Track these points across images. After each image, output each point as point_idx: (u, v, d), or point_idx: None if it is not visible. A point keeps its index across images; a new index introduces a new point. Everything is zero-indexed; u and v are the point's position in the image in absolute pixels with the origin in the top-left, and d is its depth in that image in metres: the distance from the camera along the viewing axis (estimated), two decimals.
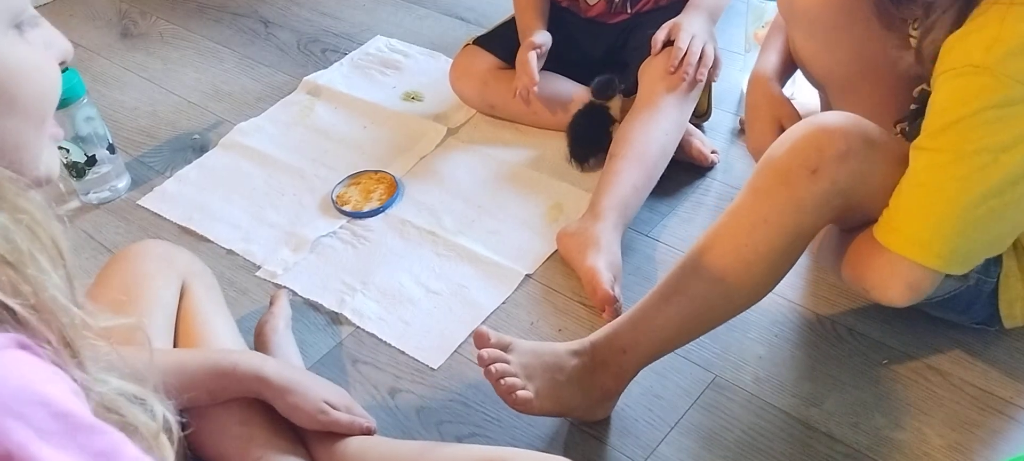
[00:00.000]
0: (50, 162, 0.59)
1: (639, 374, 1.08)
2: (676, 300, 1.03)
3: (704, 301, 1.02)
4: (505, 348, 1.04)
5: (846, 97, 1.17)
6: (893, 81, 1.10)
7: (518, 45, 1.58)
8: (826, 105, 1.33)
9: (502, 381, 1.01)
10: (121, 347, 0.61)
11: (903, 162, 0.99)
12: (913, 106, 1.09)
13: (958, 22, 0.91)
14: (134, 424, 0.56)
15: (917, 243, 0.94)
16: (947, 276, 0.98)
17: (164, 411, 0.59)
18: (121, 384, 0.57)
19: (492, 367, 1.01)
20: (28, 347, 0.50)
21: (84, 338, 0.55)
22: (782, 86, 1.24)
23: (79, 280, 0.58)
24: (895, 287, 0.97)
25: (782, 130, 1.21)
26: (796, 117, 1.21)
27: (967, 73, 0.89)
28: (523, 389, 1.01)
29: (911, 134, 1.08)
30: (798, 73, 1.29)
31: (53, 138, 0.60)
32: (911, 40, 1.02)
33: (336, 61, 1.85)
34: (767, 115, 1.21)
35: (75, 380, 0.53)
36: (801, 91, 1.54)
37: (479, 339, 1.04)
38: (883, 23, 1.03)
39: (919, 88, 1.07)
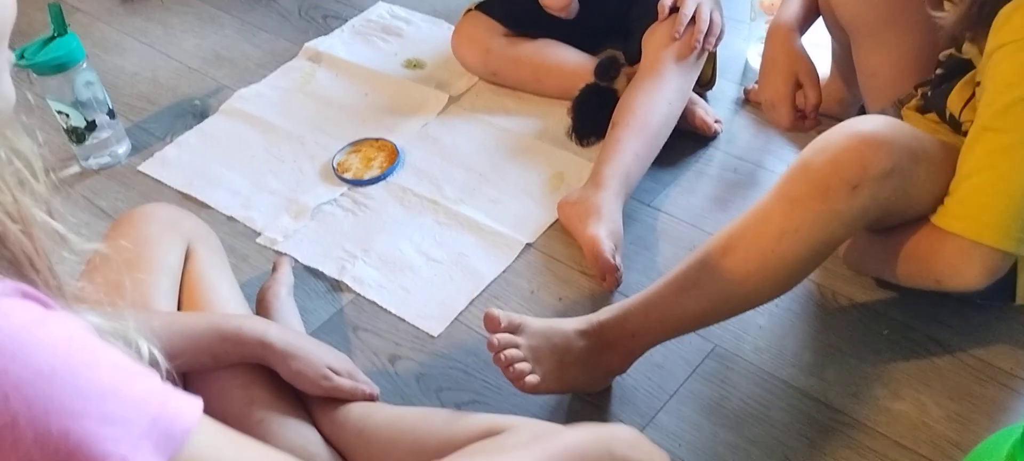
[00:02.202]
0: (6, 90, 0.58)
1: None
2: (693, 294, 1.02)
3: (722, 299, 1.01)
4: (515, 329, 1.03)
5: (873, 44, 1.15)
6: (921, 35, 1.08)
7: (522, 11, 1.57)
8: (839, 58, 1.31)
9: (512, 368, 1.01)
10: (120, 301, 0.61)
11: (940, 164, 0.97)
12: (939, 70, 1.07)
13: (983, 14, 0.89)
14: None
15: (991, 227, 0.93)
16: None
17: (148, 346, 0.59)
18: (100, 319, 0.56)
19: (502, 354, 1.01)
20: (29, 295, 0.50)
21: (63, 261, 0.54)
22: (801, 37, 1.23)
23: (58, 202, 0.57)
24: (970, 273, 0.95)
25: (798, 85, 1.20)
26: (813, 73, 1.19)
27: None
28: (532, 374, 1.01)
29: (932, 100, 1.07)
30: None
31: (9, 63, 0.59)
32: (947, 2, 1.00)
33: (337, 27, 1.84)
34: (785, 68, 1.20)
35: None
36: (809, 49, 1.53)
37: (490, 323, 1.03)
38: None
39: (947, 53, 1.06)
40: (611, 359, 1.06)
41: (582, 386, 1.08)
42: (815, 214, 0.95)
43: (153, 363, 0.58)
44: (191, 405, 0.53)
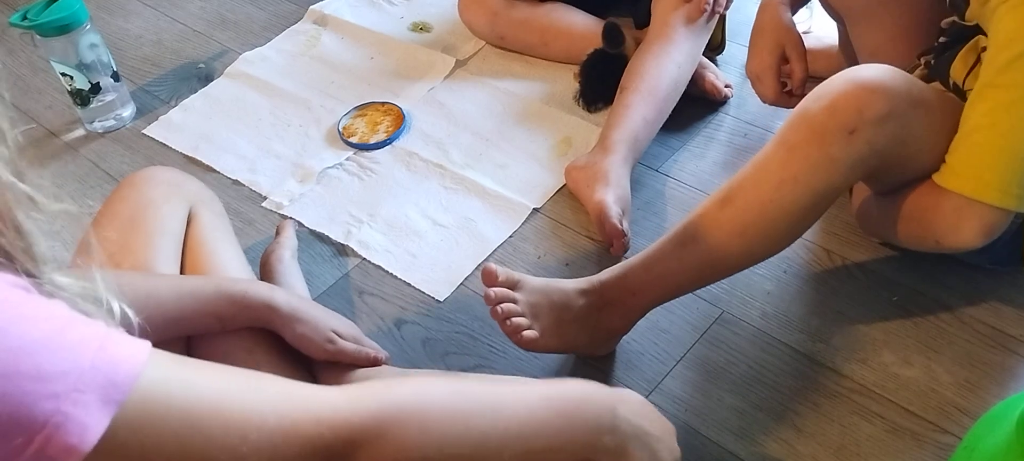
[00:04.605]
0: None
1: None
2: (693, 248, 1.01)
3: (722, 252, 1.00)
4: (513, 286, 1.03)
5: (868, 25, 1.14)
6: (918, 10, 1.07)
7: None
8: (845, 36, 1.30)
9: (508, 321, 1.00)
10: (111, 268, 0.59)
11: (941, 116, 0.96)
12: (942, 39, 1.05)
13: None
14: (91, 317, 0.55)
15: (991, 185, 0.92)
16: None
17: (119, 304, 0.57)
18: (69, 279, 0.55)
19: (499, 307, 1.01)
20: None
21: (32, 220, 0.52)
22: (794, 13, 1.21)
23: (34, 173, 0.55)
24: (969, 231, 0.94)
25: (784, 59, 1.19)
26: (800, 47, 1.18)
27: None
28: (529, 328, 1.01)
29: (937, 68, 1.05)
30: (814, 3, 1.25)
31: None
32: None
33: None
34: (772, 40, 1.18)
35: (21, 273, 0.51)
36: (818, 26, 1.51)
37: (487, 277, 1.02)
38: None
39: (949, 20, 1.04)
40: (612, 318, 1.05)
41: (584, 346, 1.07)
42: (813, 161, 0.94)
43: (125, 323, 0.56)
44: (136, 346, 0.50)
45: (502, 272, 1.03)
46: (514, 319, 1.00)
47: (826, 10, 1.25)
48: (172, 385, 0.52)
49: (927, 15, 1.06)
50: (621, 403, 0.72)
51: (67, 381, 0.46)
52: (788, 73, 1.20)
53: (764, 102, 1.22)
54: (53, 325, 0.48)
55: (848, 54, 1.31)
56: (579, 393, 0.72)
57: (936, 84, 1.05)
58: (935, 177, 0.97)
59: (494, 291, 1.01)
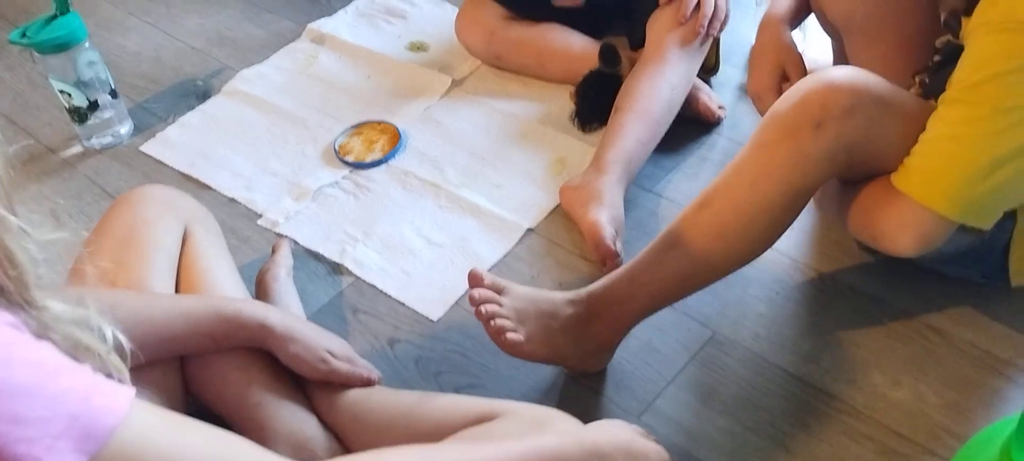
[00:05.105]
0: None
1: (637, 328, 1.08)
2: (674, 254, 1.03)
3: (703, 256, 1.02)
4: (499, 291, 1.04)
5: (865, 42, 1.15)
6: (913, 29, 1.08)
7: None
8: (839, 56, 1.31)
9: (492, 322, 1.01)
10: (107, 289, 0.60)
11: (912, 119, 0.97)
12: (936, 58, 1.07)
13: None
14: (85, 345, 0.55)
15: (941, 193, 0.93)
16: (963, 229, 0.97)
17: (112, 330, 0.58)
18: (62, 304, 0.56)
19: (483, 308, 1.02)
20: None
21: (24, 250, 0.53)
22: (792, 31, 1.23)
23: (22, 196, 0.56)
24: (908, 236, 0.97)
25: (785, 78, 1.20)
26: (800, 66, 1.19)
27: (1012, 28, 0.87)
28: (513, 331, 1.01)
29: (932, 87, 1.06)
30: (811, 23, 1.27)
31: None
32: None
33: (341, 8, 1.83)
34: (772, 60, 1.20)
35: (15, 303, 0.52)
36: (813, 47, 1.52)
37: (472, 279, 1.04)
38: None
39: (943, 39, 1.05)
40: (600, 329, 1.06)
41: (571, 358, 1.07)
42: (784, 157, 0.97)
43: (118, 348, 0.57)
44: (119, 397, 0.51)
45: (487, 276, 1.04)
46: (498, 320, 1.01)
47: (822, 26, 1.27)
48: (148, 441, 0.52)
49: (923, 34, 1.08)
50: (607, 439, 0.72)
51: (44, 428, 0.47)
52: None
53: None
54: (41, 371, 0.49)
55: (838, 52, 1.32)
56: (564, 447, 0.72)
57: (914, 91, 1.07)
58: (892, 176, 0.98)
59: (478, 292, 1.02)
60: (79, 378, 0.50)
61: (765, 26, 1.23)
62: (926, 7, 1.07)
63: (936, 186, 0.94)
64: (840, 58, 1.34)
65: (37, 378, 0.48)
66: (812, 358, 1.11)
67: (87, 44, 1.46)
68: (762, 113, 1.24)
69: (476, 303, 1.02)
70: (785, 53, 1.20)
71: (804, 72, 1.20)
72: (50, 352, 0.50)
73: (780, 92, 1.21)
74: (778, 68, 1.20)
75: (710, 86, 1.51)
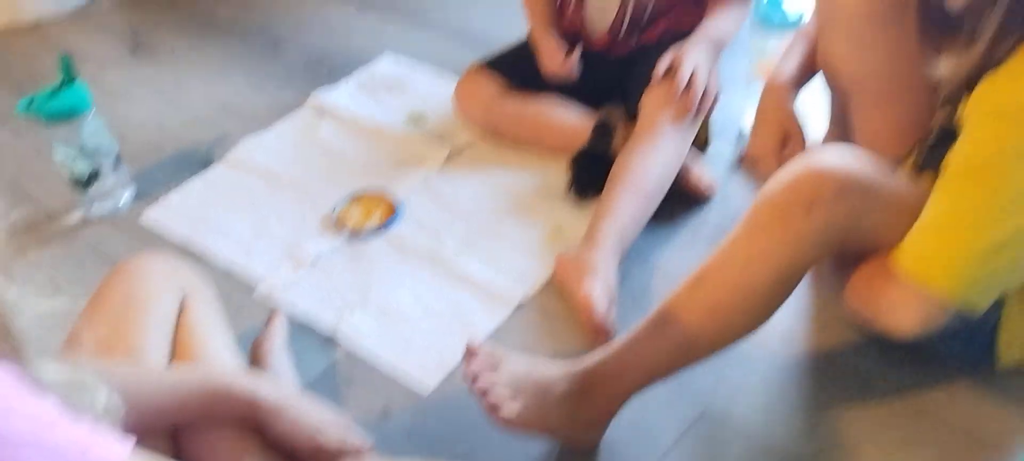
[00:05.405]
0: None
1: (631, 401, 1.08)
2: (668, 331, 1.03)
3: (696, 334, 1.03)
4: (496, 362, 1.05)
5: (871, 105, 1.17)
6: (920, 99, 1.10)
7: (524, 68, 1.60)
8: (837, 117, 1.33)
9: (487, 397, 1.02)
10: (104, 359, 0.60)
11: (903, 200, 0.99)
12: (932, 136, 1.09)
13: (990, 58, 0.90)
14: (79, 409, 0.56)
15: (941, 274, 0.94)
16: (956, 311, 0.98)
17: (105, 394, 0.58)
18: (57, 367, 0.56)
19: (478, 383, 1.02)
20: None
21: (19, 320, 0.54)
22: (795, 95, 1.25)
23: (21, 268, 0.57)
24: (907, 316, 0.97)
25: (785, 142, 1.23)
26: (800, 133, 1.22)
27: (1009, 115, 0.89)
28: (507, 406, 1.02)
29: (925, 163, 1.08)
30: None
31: None
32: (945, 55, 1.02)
33: (343, 80, 1.87)
34: (774, 124, 1.23)
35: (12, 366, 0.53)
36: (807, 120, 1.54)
37: (468, 353, 1.05)
38: (923, 34, 1.03)
39: (939, 118, 1.07)
40: (594, 404, 1.06)
41: (565, 432, 1.07)
42: (776, 238, 0.98)
43: (112, 413, 0.57)
44: (118, 451, 0.51)
45: (484, 347, 1.04)
46: (493, 395, 1.02)
47: (830, 86, 1.29)
48: None
49: (927, 107, 1.10)
50: None
51: None
52: (788, 157, 1.23)
53: (762, 183, 1.26)
54: (41, 424, 0.49)
55: (840, 128, 1.34)
56: None
57: (907, 172, 1.09)
58: (890, 256, 0.99)
59: (474, 367, 1.03)
60: (78, 431, 0.50)
61: (769, 91, 1.25)
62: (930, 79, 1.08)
63: (935, 268, 0.94)
64: (837, 119, 1.36)
65: (36, 430, 0.49)
66: (805, 435, 1.11)
67: (92, 114, 1.49)
68: (761, 177, 1.26)
69: (472, 378, 1.03)
70: (787, 119, 1.22)
71: (804, 140, 1.22)
72: (49, 405, 0.51)
73: (780, 157, 1.23)
74: (780, 133, 1.22)
75: (702, 161, 1.54)
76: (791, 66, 1.26)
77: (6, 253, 0.55)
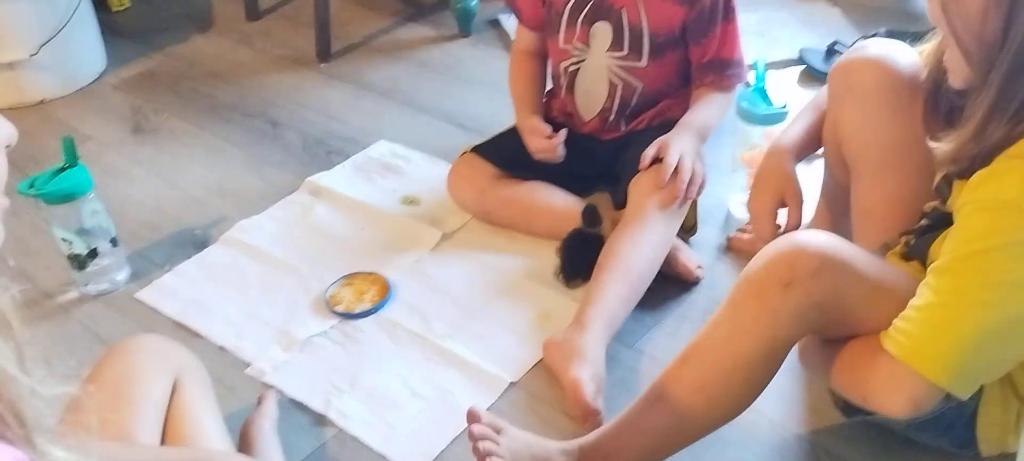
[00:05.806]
0: None
1: None
2: (658, 408, 1.06)
3: (686, 410, 1.05)
4: (497, 430, 1.07)
5: (873, 180, 1.21)
6: (920, 179, 1.13)
7: (515, 154, 1.64)
8: (832, 197, 1.36)
9: (488, 459, 1.03)
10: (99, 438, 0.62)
11: (883, 281, 1.02)
12: (923, 222, 1.12)
13: (981, 139, 0.93)
14: None
15: (932, 359, 0.95)
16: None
17: None
18: (65, 453, 0.58)
19: (481, 444, 1.04)
20: None
21: (32, 407, 0.56)
22: (798, 163, 1.30)
23: (35, 353, 0.59)
24: (899, 398, 0.98)
25: (783, 204, 1.28)
26: (799, 197, 1.27)
27: (999, 207, 0.92)
28: None
29: (915, 249, 1.11)
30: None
31: (2, 209, 0.63)
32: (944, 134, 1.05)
33: (339, 163, 1.91)
34: (773, 186, 1.28)
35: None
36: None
37: (471, 416, 1.08)
38: (930, 120, 1.07)
39: (932, 204, 1.11)
40: None
41: None
42: (754, 315, 1.02)
43: None
44: None
45: (485, 414, 1.08)
46: (493, 459, 1.04)
47: (828, 159, 1.33)
48: None
49: (924, 192, 1.13)
50: None
51: None
52: (782, 218, 1.29)
53: (757, 239, 1.29)
54: None
55: (834, 209, 1.37)
56: None
57: (899, 249, 1.12)
58: (880, 336, 1.00)
59: (478, 428, 1.06)
60: None
61: (771, 153, 1.31)
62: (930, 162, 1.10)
63: (926, 351, 0.96)
64: (831, 199, 1.39)
65: None
66: None
67: (92, 195, 1.52)
68: (756, 232, 1.32)
69: (475, 439, 1.06)
70: (785, 183, 1.28)
71: (801, 203, 1.27)
72: None
73: (775, 216, 1.29)
74: (777, 195, 1.28)
75: (689, 246, 1.57)
76: (796, 132, 1.31)
77: (20, 339, 0.57)
